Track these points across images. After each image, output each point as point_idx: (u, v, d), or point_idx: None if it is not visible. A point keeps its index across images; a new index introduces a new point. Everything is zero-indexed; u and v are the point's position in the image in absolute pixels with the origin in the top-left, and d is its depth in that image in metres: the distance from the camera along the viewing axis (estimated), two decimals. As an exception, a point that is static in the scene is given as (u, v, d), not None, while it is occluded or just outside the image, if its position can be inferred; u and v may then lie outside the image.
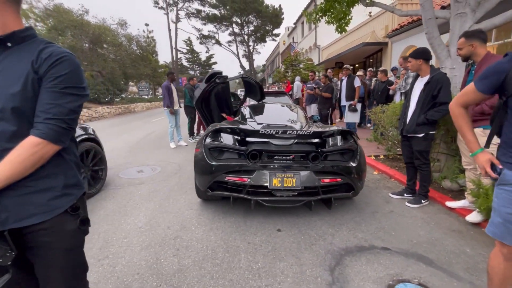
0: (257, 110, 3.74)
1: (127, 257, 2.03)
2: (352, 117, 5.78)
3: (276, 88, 12.35)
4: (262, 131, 2.36)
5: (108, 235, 2.35)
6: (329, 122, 6.53)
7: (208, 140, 2.61)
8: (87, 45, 13.49)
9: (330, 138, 2.67)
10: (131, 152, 5.63)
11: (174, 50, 33.83)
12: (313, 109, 7.26)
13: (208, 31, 36.70)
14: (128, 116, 14.53)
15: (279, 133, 2.34)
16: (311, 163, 2.38)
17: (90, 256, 2.05)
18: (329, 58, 13.36)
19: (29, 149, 0.79)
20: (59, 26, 12.50)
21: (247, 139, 2.57)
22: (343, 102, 5.97)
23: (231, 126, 2.62)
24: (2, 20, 0.83)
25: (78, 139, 3.06)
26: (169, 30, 32.26)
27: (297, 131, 2.35)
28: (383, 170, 3.90)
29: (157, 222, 2.58)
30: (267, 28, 35.52)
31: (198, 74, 47.95)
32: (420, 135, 2.66)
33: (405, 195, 2.98)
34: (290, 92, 10.65)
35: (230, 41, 37.37)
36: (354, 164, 2.45)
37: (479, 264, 1.87)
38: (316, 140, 2.65)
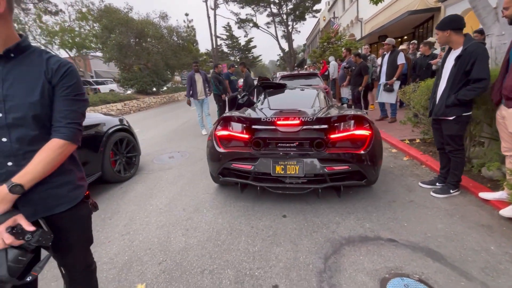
0: (276, 96, 3.67)
1: (144, 234, 2.31)
2: (387, 97, 5.28)
3: (311, 70, 11.78)
4: (263, 119, 2.37)
5: (133, 214, 2.68)
6: (362, 104, 6.07)
7: (218, 128, 2.71)
8: (132, 40, 14.64)
9: (342, 124, 2.52)
10: (167, 139, 6.12)
11: (213, 37, 34.38)
12: (346, 90, 6.81)
13: (246, 15, 36.17)
14: (171, 105, 15.60)
15: (281, 119, 2.31)
16: (314, 150, 2.31)
17: (115, 231, 2.39)
18: (372, 32, 12.13)
19: (56, 150, 0.93)
20: (110, 25, 13.81)
21: (254, 126, 2.59)
22: (382, 80, 5.40)
23: (238, 114, 2.67)
24: (7, 32, 0.91)
25: (113, 129, 3.47)
26: (208, 17, 32.76)
27: (299, 117, 2.28)
28: (414, 156, 3.55)
29: (175, 204, 2.83)
30: (306, 4, 33.45)
31: (238, 60, 48.34)
32: (451, 118, 2.34)
33: (437, 184, 2.70)
34: (326, 73, 10.12)
35: (268, 23, 36.23)
36: (363, 151, 2.29)
37: (501, 264, 1.65)
38: (325, 126, 2.51)
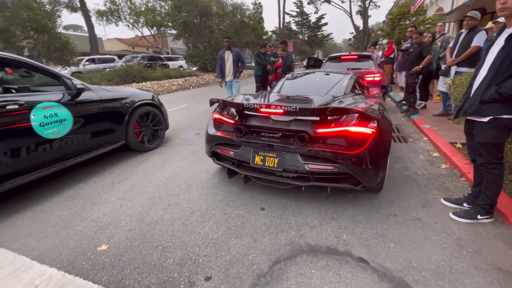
0: (293, 81, 3.37)
1: (134, 202, 2.54)
2: (441, 83, 4.27)
3: (374, 52, 10.31)
4: (247, 105, 2.21)
5: (137, 183, 2.97)
6: (417, 94, 5.06)
7: (217, 110, 2.68)
8: (195, 19, 15.37)
9: (339, 118, 2.12)
10: (204, 116, 6.41)
11: (282, 14, 33.25)
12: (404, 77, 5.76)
13: None
14: (228, 83, 16.14)
15: (263, 107, 2.11)
16: (296, 145, 2.06)
17: (115, 195, 2.70)
18: (464, 3, 9.70)
19: None
20: (178, 3, 14.77)
21: (240, 112, 2.45)
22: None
23: (228, 100, 2.53)
24: None
25: (139, 103, 3.81)
26: (278, -7, 31.61)
27: (284, 106, 2.02)
28: (455, 164, 2.84)
29: (174, 179, 3.00)
30: (391, -27, 28.73)
31: (306, 38, 45.97)
32: (485, 119, 1.75)
33: (464, 205, 2.13)
34: (392, 55, 8.75)
35: (343, -3, 32.83)
36: (357, 153, 1.94)
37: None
38: (314, 119, 2.14)
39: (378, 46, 9.74)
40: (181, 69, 17.29)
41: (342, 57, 6.29)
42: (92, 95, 3.16)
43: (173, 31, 22.51)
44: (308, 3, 35.04)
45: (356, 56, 6.19)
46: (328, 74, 3.34)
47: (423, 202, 2.28)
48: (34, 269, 1.74)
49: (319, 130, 2.05)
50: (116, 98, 3.48)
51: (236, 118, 2.43)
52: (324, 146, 2.05)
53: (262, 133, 2.29)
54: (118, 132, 3.53)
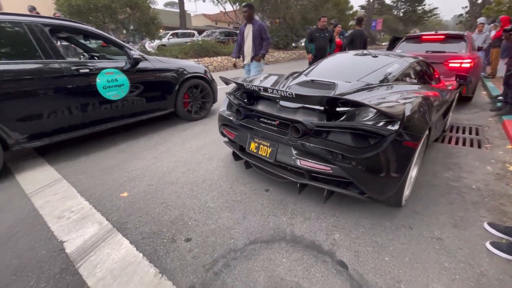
0: (331, 61, 2.98)
1: (163, 162, 2.88)
2: None
3: (469, 31, 8.10)
4: (246, 85, 2.06)
5: (173, 146, 3.33)
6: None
7: (231, 90, 2.62)
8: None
9: (353, 111, 1.72)
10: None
11: (374, -14, 29.18)
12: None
13: None
14: (298, 62, 15.61)
15: (261, 90, 1.94)
16: (290, 136, 1.81)
17: (153, 154, 3.10)
18: None
19: None
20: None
21: (243, 94, 2.33)
22: None
23: (236, 80, 2.31)
24: None
25: (190, 76, 4.13)
26: (374, -40, 27.56)
27: (277, 90, 1.78)
28: (533, 186, 2.14)
29: (203, 148, 3.24)
30: None
31: (401, 14, 39.50)
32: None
33: None
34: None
35: (460, -40, 26.15)
36: (358, 155, 1.57)
37: None
38: (317, 108, 1.86)
39: (481, 23, 7.57)
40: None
41: (423, 37, 5.24)
42: (148, 65, 3.59)
43: (253, 7, 22.67)
44: (410, -29, 29.51)
45: (442, 36, 5.04)
46: (377, 57, 2.78)
47: (457, 222, 1.85)
48: (75, 199, 2.24)
49: (319, 123, 1.73)
50: (168, 69, 3.85)
51: (245, 100, 2.30)
52: (321, 141, 1.72)
53: (262, 119, 2.12)
54: (168, 100, 3.94)
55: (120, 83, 3.27)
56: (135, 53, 3.46)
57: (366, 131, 1.58)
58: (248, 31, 4.33)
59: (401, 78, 2.44)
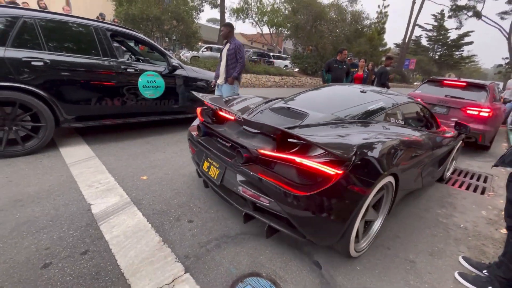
0: (317, 91, 2.77)
1: (181, 157, 3.24)
2: None
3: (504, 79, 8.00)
4: (206, 101, 2.10)
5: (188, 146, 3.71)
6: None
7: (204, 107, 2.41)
8: (307, 23, 15.76)
9: (304, 145, 1.53)
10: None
11: (411, 26, 29.55)
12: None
13: (468, 0, 27.34)
14: (324, 89, 15.98)
15: (221, 110, 1.96)
16: (234, 160, 1.70)
17: (172, 149, 3.49)
18: None
19: None
20: (296, 7, 15.56)
21: (207, 112, 2.26)
22: None
23: (201, 94, 2.27)
24: None
25: (218, 87, 4.58)
26: (413, 2, 28.15)
27: (230, 111, 1.80)
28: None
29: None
30: None
31: (436, 57, 39.18)
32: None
33: (484, 272, 1.77)
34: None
35: (503, 13, 25.92)
36: (297, 191, 1.41)
37: None
38: (265, 136, 1.76)
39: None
40: (284, 68, 18.29)
41: (445, 82, 5.38)
42: (183, 73, 4.09)
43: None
44: (449, 17, 29.61)
45: (464, 83, 5.17)
46: (365, 92, 2.54)
47: (434, 251, 1.99)
48: (104, 174, 2.63)
49: (263, 151, 1.58)
50: (199, 78, 4.34)
51: (212, 118, 2.22)
52: (263, 171, 1.59)
53: (219, 139, 2.03)
54: (196, 105, 4.39)
55: (157, 84, 3.77)
56: (175, 61, 3.99)
57: (310, 168, 1.44)
58: (225, 51, 4.03)
59: (384, 117, 2.23)
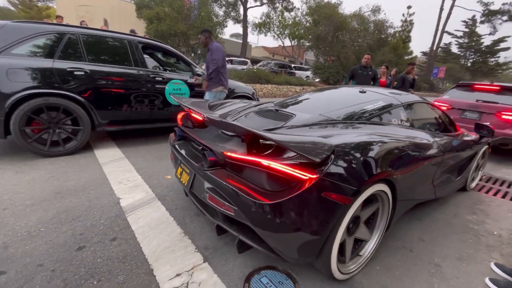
0: (315, 94, 2.56)
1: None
2: None
3: None
4: (181, 103, 2.03)
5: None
6: None
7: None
8: (329, 33, 15.82)
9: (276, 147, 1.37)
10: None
11: (440, 33, 28.42)
12: None
13: (502, 4, 25.72)
14: (346, 99, 15.75)
15: (193, 112, 1.85)
16: (202, 165, 1.55)
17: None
18: None
19: None
20: (318, 18, 15.74)
21: (184, 115, 2.17)
22: None
23: (181, 101, 2.16)
24: None
25: (238, 94, 4.75)
26: (441, 9, 27.20)
27: (202, 114, 1.66)
28: None
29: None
30: None
31: (469, 64, 37.10)
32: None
33: None
34: None
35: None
36: (264, 199, 1.21)
37: None
38: (236, 137, 1.61)
39: None
40: (306, 78, 18.36)
41: (476, 86, 5.11)
42: (206, 81, 4.31)
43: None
44: (481, 22, 28.12)
45: (498, 88, 4.87)
46: (365, 92, 2.32)
47: (463, 256, 1.87)
48: (132, 173, 2.82)
49: (230, 153, 1.42)
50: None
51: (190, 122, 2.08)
52: (229, 175, 1.43)
53: (192, 142, 1.89)
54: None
55: (183, 92, 4.00)
56: (199, 70, 4.22)
57: (277, 171, 1.25)
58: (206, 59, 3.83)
59: (383, 117, 2.00)
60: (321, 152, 1.20)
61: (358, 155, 1.35)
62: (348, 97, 2.35)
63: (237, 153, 1.39)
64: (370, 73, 5.51)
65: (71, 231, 1.80)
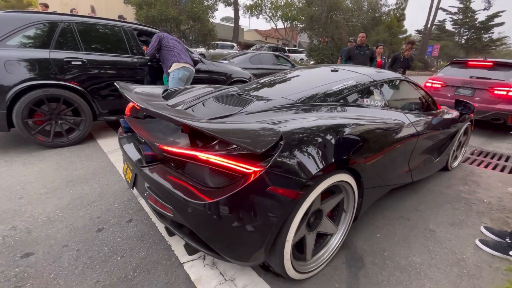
0: (287, 75, 2.32)
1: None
2: None
3: None
4: (122, 92, 1.72)
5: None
6: None
7: None
8: (324, 14, 15.51)
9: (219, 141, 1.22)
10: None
11: (434, 10, 27.99)
12: None
13: None
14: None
15: (130, 100, 1.52)
16: (138, 160, 1.41)
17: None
18: None
19: None
20: (310, -1, 15.39)
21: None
22: None
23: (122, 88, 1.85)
24: None
25: (235, 79, 4.75)
26: (435, -15, 26.59)
27: (135, 102, 1.41)
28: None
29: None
30: None
31: (463, 41, 36.90)
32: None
33: (507, 239, 1.80)
34: None
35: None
36: (210, 201, 1.07)
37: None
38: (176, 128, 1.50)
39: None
40: (300, 61, 18.17)
41: (469, 63, 5.19)
42: (203, 67, 4.30)
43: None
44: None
45: (491, 63, 4.95)
46: (337, 71, 2.18)
47: (455, 222, 2.03)
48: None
49: (166, 147, 1.25)
50: (219, 72, 4.54)
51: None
52: (167, 172, 1.28)
53: (137, 136, 1.61)
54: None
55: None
56: (195, 56, 4.20)
57: (218, 165, 1.11)
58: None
59: (353, 98, 1.85)
60: (265, 141, 1.03)
61: (311, 142, 1.20)
62: (318, 77, 2.18)
63: (174, 146, 1.22)
64: (367, 52, 5.40)
65: (88, 215, 1.89)
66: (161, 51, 3.63)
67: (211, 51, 14.33)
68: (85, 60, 3.11)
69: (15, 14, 2.92)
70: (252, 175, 1.04)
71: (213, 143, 1.23)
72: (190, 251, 1.36)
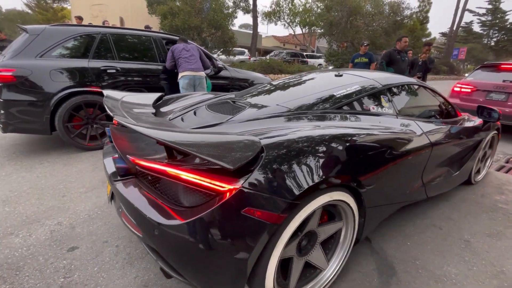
0: (288, 81, 2.22)
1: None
2: None
3: None
4: (109, 107, 1.55)
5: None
6: None
7: None
8: (343, 19, 15.38)
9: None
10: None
11: (460, 12, 26.88)
12: None
13: None
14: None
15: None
16: (112, 173, 1.28)
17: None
18: None
19: None
20: (329, 4, 15.32)
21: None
22: None
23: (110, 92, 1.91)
24: None
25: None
26: (462, -14, 25.59)
27: (115, 114, 1.33)
28: None
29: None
30: None
31: (492, 43, 35.03)
32: None
33: None
34: None
35: None
36: (175, 222, 0.94)
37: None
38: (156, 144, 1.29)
39: None
40: (318, 66, 18.09)
41: (502, 66, 4.94)
42: (227, 74, 4.43)
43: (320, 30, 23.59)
44: (508, -3, 26.25)
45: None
46: (341, 76, 2.02)
47: (493, 233, 1.93)
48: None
49: (137, 160, 1.07)
50: (242, 78, 4.64)
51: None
52: (140, 189, 1.15)
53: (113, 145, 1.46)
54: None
55: (206, 85, 4.15)
56: (220, 63, 4.34)
57: (189, 183, 0.96)
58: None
59: (357, 104, 1.70)
60: (241, 156, 0.88)
61: (298, 156, 1.05)
62: (320, 82, 2.06)
63: (144, 160, 1.07)
64: (406, 59, 4.92)
65: (125, 214, 2.00)
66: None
67: (231, 57, 14.67)
68: (118, 68, 3.32)
69: (60, 28, 3.20)
70: (227, 194, 0.90)
71: (190, 157, 1.08)
72: (167, 274, 1.12)
